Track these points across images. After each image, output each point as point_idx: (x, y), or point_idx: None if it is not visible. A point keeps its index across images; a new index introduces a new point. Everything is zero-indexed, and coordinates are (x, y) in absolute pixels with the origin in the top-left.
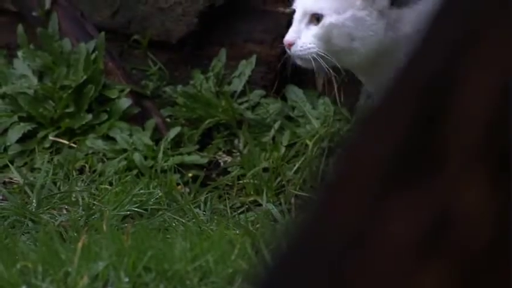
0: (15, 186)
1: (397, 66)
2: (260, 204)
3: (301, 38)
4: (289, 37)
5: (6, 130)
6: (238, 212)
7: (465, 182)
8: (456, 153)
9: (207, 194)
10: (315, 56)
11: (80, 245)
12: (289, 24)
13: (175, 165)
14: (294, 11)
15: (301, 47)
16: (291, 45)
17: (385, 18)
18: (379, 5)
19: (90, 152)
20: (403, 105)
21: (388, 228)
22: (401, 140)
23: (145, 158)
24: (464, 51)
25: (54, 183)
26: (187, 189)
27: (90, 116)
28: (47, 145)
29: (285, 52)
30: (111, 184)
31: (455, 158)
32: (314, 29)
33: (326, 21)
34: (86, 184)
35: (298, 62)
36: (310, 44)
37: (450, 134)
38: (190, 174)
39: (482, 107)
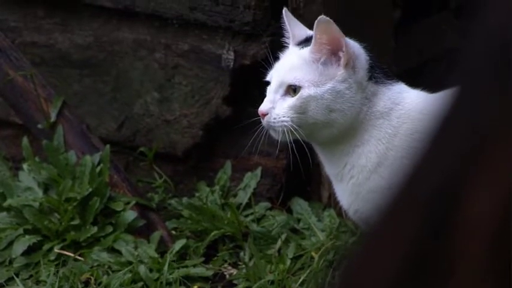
0: None
1: (399, 178)
2: None
3: (276, 109)
4: (263, 107)
5: (11, 243)
6: None
7: None
8: (463, 261)
9: None
10: (285, 129)
11: None
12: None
13: (181, 278)
14: (268, 82)
15: (275, 118)
16: (264, 115)
17: (364, 92)
18: (358, 77)
19: (96, 264)
20: (409, 217)
21: None
22: (408, 253)
23: (151, 270)
24: (467, 167)
25: None
26: None
27: (95, 229)
28: (52, 257)
29: (289, 165)
30: None
31: (462, 265)
32: (290, 101)
33: (304, 93)
34: None
35: (271, 133)
36: (284, 116)
37: (457, 242)
38: (195, 287)
39: (487, 223)
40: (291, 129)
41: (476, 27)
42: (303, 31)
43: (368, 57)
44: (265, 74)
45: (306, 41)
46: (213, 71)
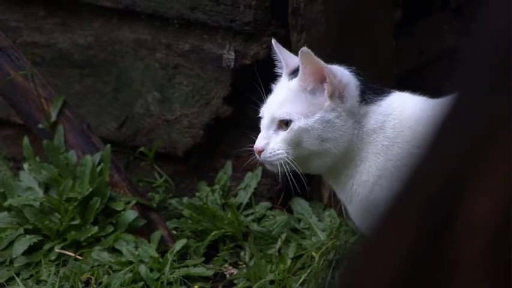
0: None
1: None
2: None
3: (270, 144)
4: (258, 144)
5: (12, 242)
6: None
7: None
8: (463, 261)
9: None
10: (282, 162)
11: None
12: None
13: (181, 278)
14: (260, 118)
15: (270, 153)
16: (260, 152)
17: (354, 117)
18: (348, 105)
19: (96, 264)
20: (410, 217)
21: None
22: (409, 253)
23: (151, 270)
24: (468, 168)
25: None
26: None
27: (96, 228)
28: (52, 257)
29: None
30: None
31: (463, 265)
32: (283, 134)
33: (295, 125)
34: None
35: (268, 167)
36: (279, 150)
37: (457, 243)
38: (196, 287)
39: (487, 223)
40: (287, 162)
41: (477, 28)
42: (294, 60)
43: (358, 83)
44: (266, 74)
45: (297, 71)
46: (214, 70)
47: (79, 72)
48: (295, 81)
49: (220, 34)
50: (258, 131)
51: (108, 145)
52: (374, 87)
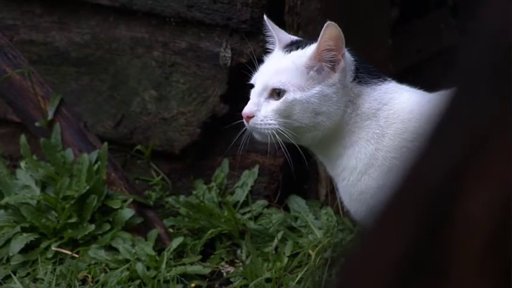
0: None
1: (399, 173)
2: None
3: (261, 111)
4: (248, 109)
5: (8, 240)
6: None
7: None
8: (461, 259)
9: None
10: (274, 131)
11: None
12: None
13: (178, 276)
14: (251, 85)
15: (262, 120)
16: (249, 117)
17: (348, 94)
18: (345, 80)
19: (93, 262)
20: (407, 215)
21: None
22: (406, 251)
23: (148, 268)
24: (466, 165)
25: None
26: None
27: (92, 227)
28: (49, 255)
29: (287, 163)
30: None
31: (461, 263)
32: (274, 104)
33: (289, 97)
34: None
35: (256, 136)
36: (270, 119)
37: (455, 241)
38: (193, 285)
39: (485, 221)
40: (278, 132)
41: (476, 26)
42: (287, 36)
43: (353, 59)
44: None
45: (290, 45)
46: (211, 69)
47: (76, 71)
48: (295, 56)
49: (217, 32)
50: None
51: (105, 143)
52: (370, 69)
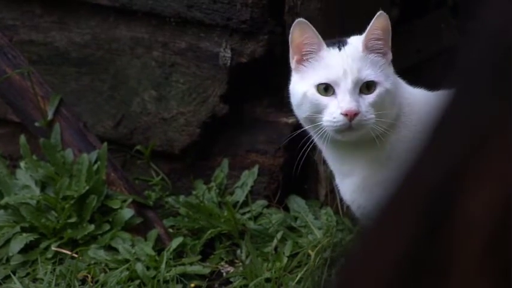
0: None
1: (399, 172)
2: None
3: (363, 107)
4: (354, 106)
5: (8, 241)
6: None
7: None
8: (461, 258)
9: None
10: (374, 126)
11: None
12: (292, 134)
13: (178, 276)
14: (326, 85)
15: (365, 116)
16: (356, 114)
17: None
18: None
19: (93, 262)
20: (407, 214)
21: None
22: (406, 251)
23: (148, 268)
24: (467, 164)
25: None
26: None
27: (92, 227)
28: (49, 255)
29: (286, 162)
30: None
31: (461, 262)
32: (369, 97)
33: (381, 88)
34: None
35: (356, 134)
36: (371, 114)
37: (455, 240)
38: (192, 285)
39: (486, 221)
40: (377, 125)
41: (476, 26)
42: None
43: None
44: (261, 74)
45: (332, 44)
46: (211, 69)
47: (76, 71)
48: (356, 49)
49: (216, 32)
50: (254, 128)
51: (105, 143)
52: None
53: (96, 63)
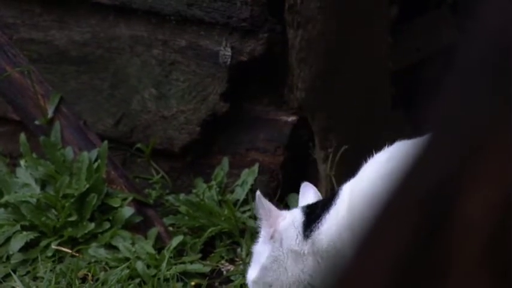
0: None
1: (397, 175)
2: None
3: None
4: None
5: (8, 239)
6: None
7: None
8: (460, 260)
9: None
10: None
11: None
12: (292, 132)
13: (178, 274)
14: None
15: None
16: None
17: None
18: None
19: (93, 260)
20: (405, 217)
21: None
22: (405, 253)
23: (148, 266)
24: (466, 166)
25: None
26: None
27: (92, 225)
28: (49, 254)
29: (287, 161)
30: None
31: (459, 264)
32: None
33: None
34: None
35: None
36: None
37: (454, 242)
38: (193, 283)
39: (485, 217)
40: None
41: (476, 24)
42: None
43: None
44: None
45: None
46: (211, 67)
47: (76, 69)
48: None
49: (216, 30)
50: (255, 127)
51: (105, 141)
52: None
53: (96, 61)
